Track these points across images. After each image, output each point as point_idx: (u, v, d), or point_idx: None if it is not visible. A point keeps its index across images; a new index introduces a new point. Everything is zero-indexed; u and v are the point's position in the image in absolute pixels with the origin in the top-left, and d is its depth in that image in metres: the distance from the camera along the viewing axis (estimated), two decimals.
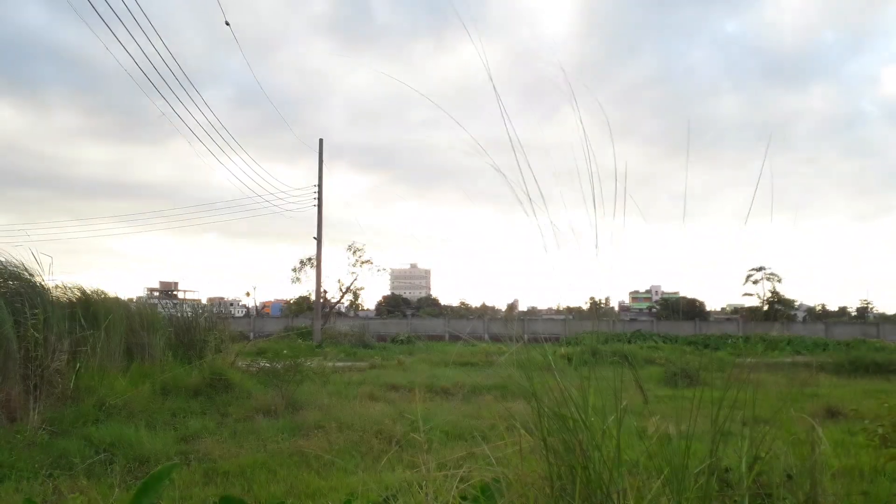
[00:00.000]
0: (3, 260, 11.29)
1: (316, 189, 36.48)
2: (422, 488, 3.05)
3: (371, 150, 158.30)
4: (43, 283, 11.47)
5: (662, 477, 2.57)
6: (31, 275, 11.33)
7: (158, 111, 29.73)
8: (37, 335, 10.27)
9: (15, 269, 11.26)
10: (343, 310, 51.92)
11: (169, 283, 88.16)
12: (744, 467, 2.72)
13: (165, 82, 28.90)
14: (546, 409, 2.54)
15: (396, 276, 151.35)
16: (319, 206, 36.28)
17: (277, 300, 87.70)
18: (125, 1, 15.88)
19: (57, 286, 12.46)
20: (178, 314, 18.18)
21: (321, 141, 36.89)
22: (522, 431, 2.75)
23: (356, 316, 51.42)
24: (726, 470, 2.82)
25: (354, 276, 44.11)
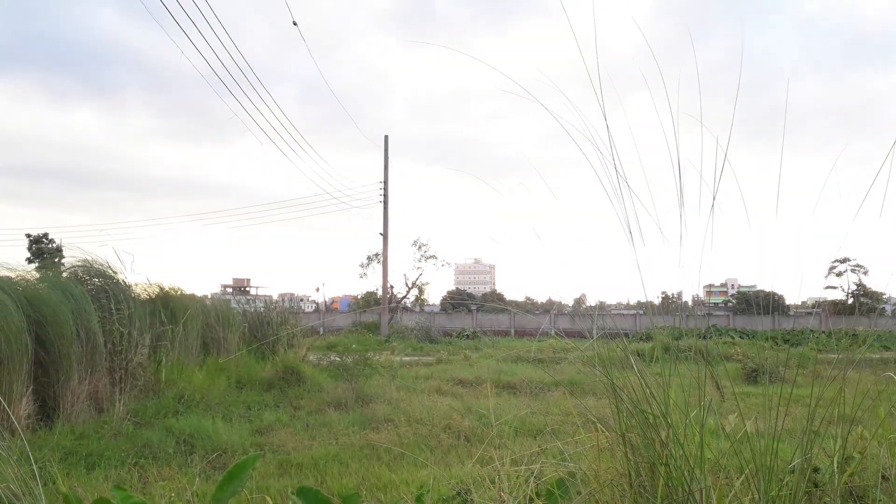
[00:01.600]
0: (88, 259, 11.93)
1: (382, 186, 36.97)
2: (494, 483, 3.05)
3: (435, 144, 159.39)
4: (125, 280, 12.06)
5: (744, 476, 2.49)
6: (114, 272, 11.93)
7: (230, 112, 30.75)
8: (121, 330, 10.81)
9: (100, 268, 11.87)
10: (409, 304, 52.47)
11: (242, 280, 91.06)
12: (835, 468, 2.60)
13: (236, 82, 29.87)
14: (626, 405, 2.50)
15: (460, 271, 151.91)
16: (385, 202, 36.78)
17: (346, 295, 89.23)
18: (197, 3, 16.47)
19: (137, 283, 13.09)
20: (251, 310, 18.79)
21: (386, 138, 37.35)
22: (599, 427, 2.72)
23: (421, 310, 51.82)
24: (815, 470, 2.71)
25: (419, 270, 44.64)
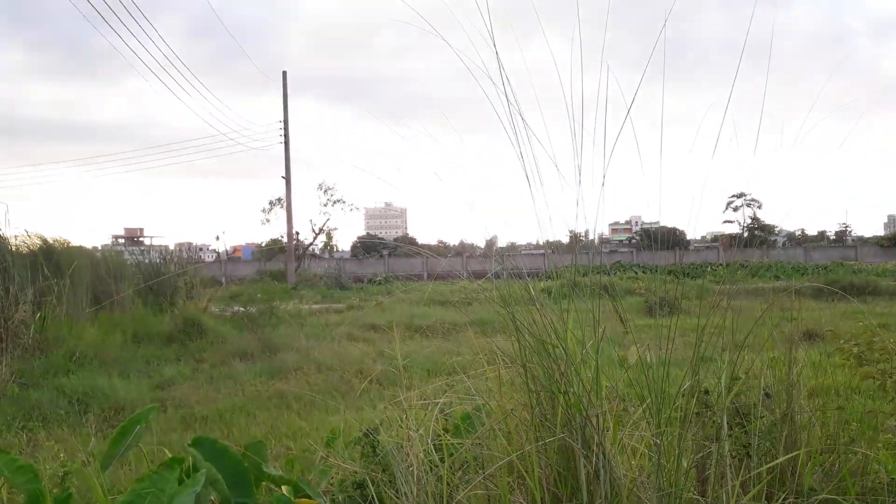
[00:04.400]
0: None
1: (282, 125, 35.83)
2: (403, 422, 3.12)
3: (340, 82, 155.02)
4: (0, 232, 11.26)
5: (644, 403, 2.65)
6: None
7: (109, 45, 28.68)
8: None
9: None
10: (317, 251, 51.85)
11: (134, 230, 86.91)
12: (723, 388, 2.82)
13: (114, 13, 27.77)
14: (526, 339, 2.59)
15: (371, 216, 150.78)
16: (286, 143, 35.72)
17: (248, 243, 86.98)
18: None
19: (16, 235, 12.27)
20: (146, 261, 18.07)
21: (284, 74, 36.04)
22: (501, 360, 2.82)
23: (331, 257, 51.37)
24: (705, 392, 2.92)
25: (326, 215, 43.87)
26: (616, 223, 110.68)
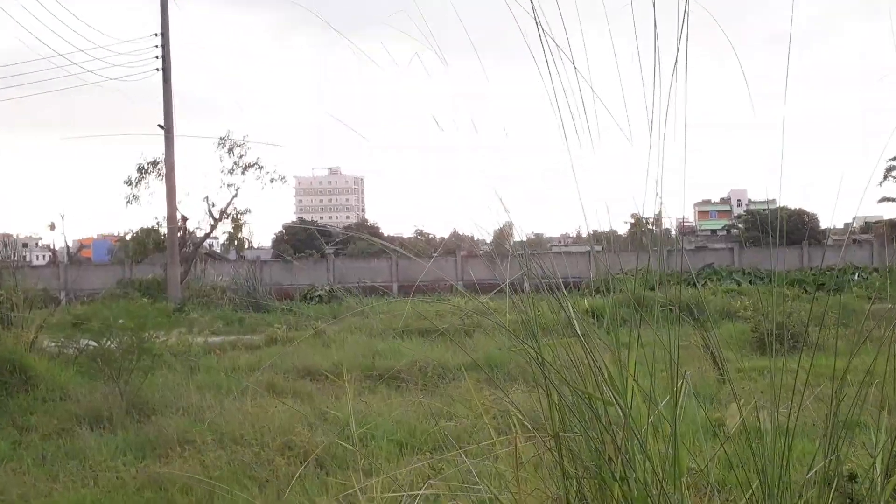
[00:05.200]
0: None
1: (159, 40, 35.68)
2: None
3: None
4: None
5: (756, 494, 2.67)
6: None
7: None
8: None
9: None
10: (218, 248, 51.84)
11: None
12: (878, 472, 2.84)
13: None
14: (561, 392, 2.60)
15: (307, 190, 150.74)
16: (165, 69, 35.59)
17: (104, 236, 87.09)
18: None
19: None
20: None
21: None
22: (519, 426, 2.83)
23: (240, 258, 51.39)
24: (850, 477, 2.94)
25: (233, 189, 43.64)
26: (706, 202, 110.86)
